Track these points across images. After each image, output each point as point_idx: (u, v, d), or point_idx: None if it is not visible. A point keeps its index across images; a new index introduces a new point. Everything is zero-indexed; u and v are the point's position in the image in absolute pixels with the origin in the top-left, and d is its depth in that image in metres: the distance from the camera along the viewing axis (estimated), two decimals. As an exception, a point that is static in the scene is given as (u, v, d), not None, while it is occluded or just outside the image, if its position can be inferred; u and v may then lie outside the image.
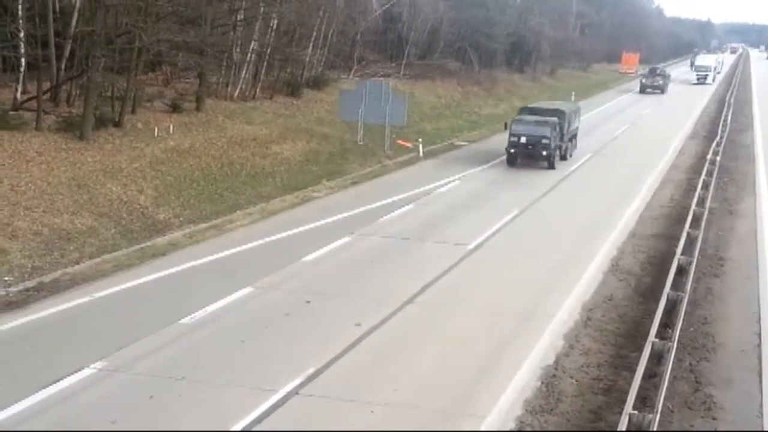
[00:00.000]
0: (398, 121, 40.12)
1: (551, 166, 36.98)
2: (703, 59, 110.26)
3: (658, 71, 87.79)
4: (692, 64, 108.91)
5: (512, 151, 37.26)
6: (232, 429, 13.04)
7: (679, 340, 16.69)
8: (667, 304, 18.56)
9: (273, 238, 24.24)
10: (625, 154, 43.64)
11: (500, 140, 47.07)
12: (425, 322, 18.22)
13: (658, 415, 13.34)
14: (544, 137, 36.52)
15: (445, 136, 46.85)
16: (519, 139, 36.81)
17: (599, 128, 53.43)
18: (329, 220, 26.63)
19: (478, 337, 17.39)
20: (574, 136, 41.37)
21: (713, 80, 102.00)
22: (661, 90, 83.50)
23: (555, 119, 37.27)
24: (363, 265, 22.17)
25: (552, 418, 14.10)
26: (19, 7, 29.60)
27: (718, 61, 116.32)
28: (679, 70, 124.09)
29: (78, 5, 31.78)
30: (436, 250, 23.97)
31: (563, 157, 38.75)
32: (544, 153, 36.55)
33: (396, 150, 39.93)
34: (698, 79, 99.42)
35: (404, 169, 37.41)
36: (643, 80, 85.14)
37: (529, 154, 37.13)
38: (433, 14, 65.93)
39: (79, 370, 14.74)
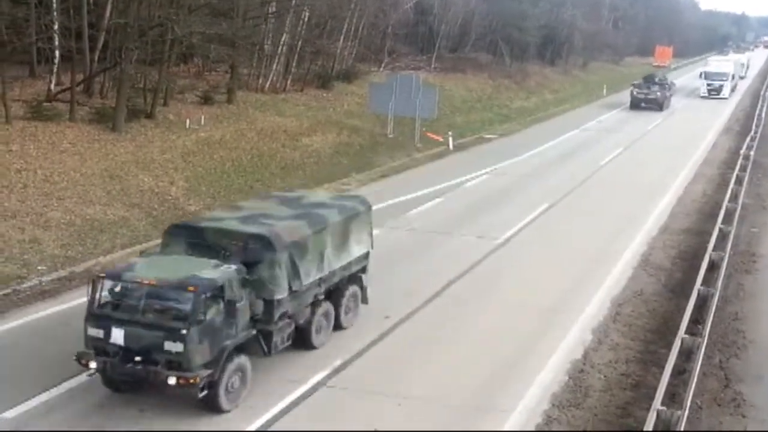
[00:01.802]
0: (428, 114, 40.05)
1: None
2: (716, 65, 78.11)
3: (656, 79, 64.36)
4: (702, 74, 76.44)
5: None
6: (258, 421, 13.15)
7: (709, 337, 16.58)
8: (697, 300, 18.43)
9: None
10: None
11: (532, 133, 47.04)
12: (453, 315, 18.22)
13: (687, 412, 13.26)
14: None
15: (475, 130, 46.71)
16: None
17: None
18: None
19: (506, 331, 17.37)
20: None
21: (731, 92, 75.10)
22: (659, 106, 60.60)
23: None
24: (392, 257, 22.13)
25: (579, 413, 14.07)
26: (54, -1, 29.93)
27: (739, 65, 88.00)
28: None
29: (111, -3, 32.07)
30: (465, 243, 23.94)
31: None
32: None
33: (426, 143, 39.88)
34: (709, 92, 72.94)
35: (434, 162, 37.34)
36: (635, 91, 61.80)
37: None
38: (464, 7, 65.70)
39: (110, 359, 14.88)
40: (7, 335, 15.99)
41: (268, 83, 42.50)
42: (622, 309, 19.01)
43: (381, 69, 55.13)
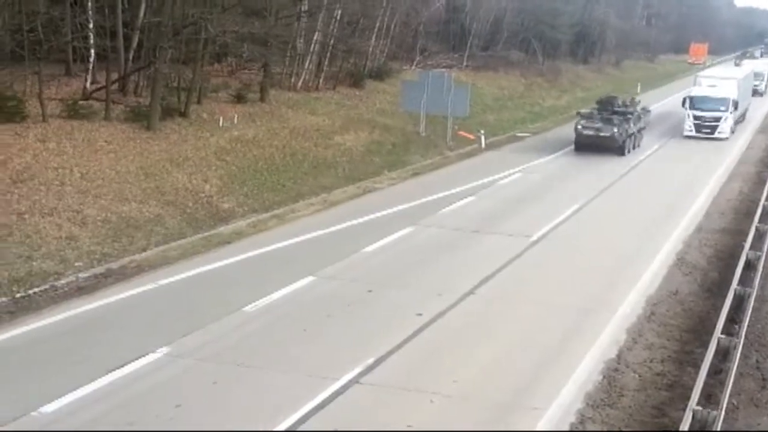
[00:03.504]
0: (460, 113, 39.97)
1: None
2: (708, 86, 48.64)
3: (617, 105, 40.89)
4: (686, 101, 47.28)
5: None
6: (289, 420, 13.19)
7: (745, 337, 16.40)
8: (734, 300, 18.23)
9: (334, 228, 24.38)
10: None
11: (563, 132, 46.75)
12: (486, 314, 18.19)
13: (723, 412, 13.13)
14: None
15: (507, 128, 46.57)
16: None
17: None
18: (391, 210, 26.68)
19: (539, 330, 17.29)
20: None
21: (734, 125, 47.86)
22: (618, 148, 38.46)
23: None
24: (424, 255, 22.19)
25: (613, 413, 13.96)
26: (89, -2, 30.28)
27: (749, 81, 57.53)
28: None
29: (146, -4, 32.39)
30: (498, 241, 23.88)
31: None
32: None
33: (458, 141, 39.82)
34: (697, 129, 45.95)
35: (466, 160, 37.29)
36: (582, 125, 39.07)
37: None
38: (496, 5, 65.51)
39: (144, 355, 15.05)
40: (43, 331, 16.19)
41: (301, 82, 42.65)
42: (657, 308, 18.85)
43: (413, 67, 55.11)
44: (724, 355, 15.58)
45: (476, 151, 39.23)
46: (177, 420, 12.96)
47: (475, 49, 63.71)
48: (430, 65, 55.60)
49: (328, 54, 44.79)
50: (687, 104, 46.29)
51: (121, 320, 16.88)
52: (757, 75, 66.75)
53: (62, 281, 18.52)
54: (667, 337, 17.27)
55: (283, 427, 12.93)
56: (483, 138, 40.50)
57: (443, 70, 50.09)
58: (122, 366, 14.55)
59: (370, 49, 49.10)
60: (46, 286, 18.10)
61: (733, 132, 47.06)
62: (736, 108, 46.41)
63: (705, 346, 15.93)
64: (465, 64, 60.13)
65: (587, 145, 38.21)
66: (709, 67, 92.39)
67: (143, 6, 32.62)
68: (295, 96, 40.54)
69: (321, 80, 44.22)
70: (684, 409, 13.23)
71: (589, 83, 73.27)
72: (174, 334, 16.00)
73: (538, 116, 52.86)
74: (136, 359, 14.87)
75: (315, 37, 43.26)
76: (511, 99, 57.32)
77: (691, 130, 45.78)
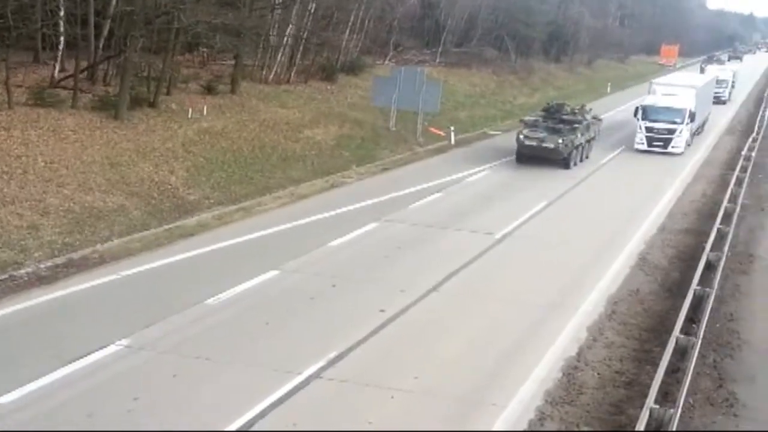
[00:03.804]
0: (431, 109, 40.03)
1: None
2: (663, 95, 44.08)
3: (564, 113, 37.48)
4: (638, 111, 42.85)
5: None
6: (249, 413, 13.15)
7: (704, 336, 16.56)
8: (693, 300, 18.43)
9: (301, 222, 24.34)
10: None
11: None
12: (449, 311, 18.24)
13: (680, 411, 13.27)
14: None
15: (477, 125, 46.71)
16: None
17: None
18: (358, 205, 26.67)
19: (501, 327, 17.37)
20: None
21: (690, 138, 43.68)
22: (564, 161, 35.59)
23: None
24: (389, 251, 22.20)
25: (572, 410, 14.06)
26: (60, -16, 29.95)
27: (710, 87, 54.15)
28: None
29: (118, -16, 32.07)
30: (463, 238, 23.95)
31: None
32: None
33: (428, 137, 39.88)
34: (650, 144, 41.85)
35: (435, 156, 37.37)
36: (524, 135, 35.64)
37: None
38: (471, 1, 65.66)
39: (105, 347, 14.94)
40: (1, 321, 16.01)
41: (272, 74, 42.49)
42: (617, 307, 19.00)
43: (386, 62, 55.13)
44: (682, 354, 15.73)
45: (446, 147, 39.32)
46: (135, 413, 12.88)
47: (449, 45, 63.84)
48: (403, 60, 55.64)
49: (301, 47, 44.66)
50: (639, 114, 41.79)
51: (81, 311, 16.75)
52: (720, 82, 64.06)
53: (22, 271, 18.32)
54: (627, 336, 17.42)
55: (242, 421, 12.89)
56: (453, 135, 40.61)
57: (416, 65, 50.09)
58: (81, 357, 14.44)
59: (344, 43, 49.01)
60: (5, 276, 17.89)
61: (689, 145, 42.93)
62: (693, 120, 41.94)
63: (664, 345, 16.09)
64: (438, 60, 60.22)
65: (529, 157, 35.13)
66: (677, 69, 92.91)
67: (116, -6, 32.33)
68: (267, 89, 40.39)
69: (293, 73, 44.09)
70: (641, 407, 13.36)
71: (561, 82, 73.67)
72: (135, 326, 15.90)
73: (509, 114, 53.02)
74: (96, 351, 14.76)
75: (288, 30, 43.12)
76: (483, 96, 57.49)
77: (642, 144, 41.50)
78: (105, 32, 32.83)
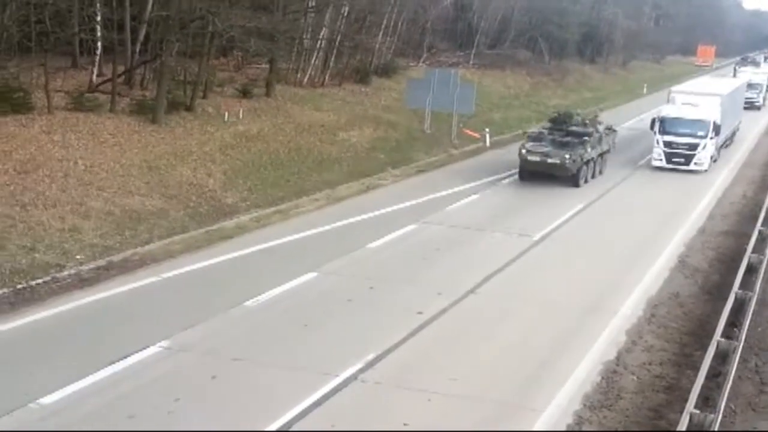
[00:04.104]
0: (466, 111, 39.96)
1: None
2: (684, 105, 38.01)
3: (574, 123, 33.71)
4: (655, 123, 37.25)
5: None
6: (287, 414, 13.22)
7: (745, 340, 16.39)
8: (734, 303, 18.23)
9: (338, 224, 24.42)
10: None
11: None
12: (487, 313, 18.20)
13: (721, 416, 13.14)
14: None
15: (512, 127, 46.52)
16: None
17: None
18: (395, 207, 26.71)
19: (539, 330, 17.29)
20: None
21: (716, 154, 38.82)
22: (573, 177, 31.61)
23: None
24: (427, 253, 22.21)
25: (611, 414, 13.97)
26: (97, -9, 30.36)
27: (730, 102, 41.76)
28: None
29: (154, -11, 32.43)
30: (501, 240, 23.90)
31: None
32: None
33: (463, 139, 39.82)
34: (669, 160, 36.74)
35: (470, 158, 37.30)
36: (527, 149, 31.86)
37: None
38: (504, 3, 65.48)
39: (145, 348, 15.11)
40: (44, 323, 16.25)
41: (307, 77, 42.69)
42: (657, 310, 18.84)
43: (419, 64, 55.11)
44: (723, 358, 15.57)
45: (481, 149, 39.23)
46: (175, 414, 13.00)
47: (482, 47, 63.69)
48: (436, 63, 55.60)
49: (335, 50, 44.82)
50: (656, 127, 36.43)
51: (122, 313, 16.93)
52: (754, 86, 59.86)
53: (64, 273, 18.58)
54: (667, 339, 17.27)
55: (280, 422, 12.98)
56: (488, 136, 40.50)
57: (450, 67, 50.06)
58: (122, 359, 14.61)
59: (377, 45, 49.10)
60: (48, 278, 18.17)
61: (714, 161, 37.92)
62: (717, 133, 36.46)
63: (704, 348, 15.93)
64: (472, 62, 60.10)
65: (534, 173, 31.34)
66: (714, 69, 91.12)
67: (151, -1, 32.70)
68: (301, 92, 40.57)
69: (327, 76, 44.25)
70: (681, 412, 13.24)
71: (595, 83, 73.18)
72: (175, 328, 16.05)
73: (543, 115, 52.51)
74: (137, 352, 14.92)
75: (322, 33, 43.31)
76: (517, 98, 57.28)
77: (660, 160, 36.37)
78: (141, 37, 33.21)
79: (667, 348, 16.86)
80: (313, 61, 43.40)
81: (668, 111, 37.16)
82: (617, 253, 23.21)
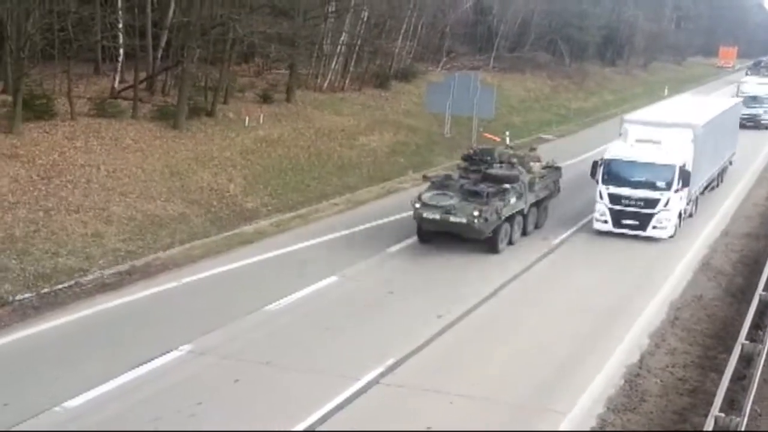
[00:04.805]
0: (486, 114, 39.87)
1: None
2: (639, 142, 25.63)
3: (495, 160, 24.67)
4: (597, 168, 25.30)
5: None
6: (309, 418, 13.25)
7: (770, 343, 16.25)
8: (759, 305, 18.10)
9: (358, 228, 24.44)
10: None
11: (588, 135, 46.52)
12: (508, 316, 18.16)
13: (746, 419, 13.05)
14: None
15: (532, 130, 46.42)
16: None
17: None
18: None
19: (562, 333, 17.22)
20: None
21: (688, 212, 26.74)
22: (490, 241, 22.70)
23: None
24: (448, 257, 22.15)
25: (634, 417, 13.91)
26: (119, -3, 30.60)
27: (710, 134, 28.33)
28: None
29: (175, -4, 32.64)
30: (521, 243, 23.80)
31: None
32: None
33: (483, 143, 39.63)
34: (615, 223, 24.96)
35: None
36: (422, 202, 22.55)
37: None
38: (524, 6, 65.32)
39: (168, 352, 15.19)
40: (67, 327, 16.36)
41: (327, 82, 42.77)
42: (680, 313, 18.72)
43: (439, 68, 55.09)
44: (747, 361, 15.47)
45: (501, 153, 39.08)
46: (198, 417, 13.06)
47: (502, 50, 63.56)
48: (456, 66, 55.53)
49: (355, 55, 44.88)
50: (599, 174, 25.08)
51: (144, 317, 17.04)
52: (759, 99, 50.75)
53: (87, 278, 18.73)
54: (690, 342, 17.16)
55: (303, 426, 13.00)
56: (508, 140, 40.34)
57: (469, 71, 49.99)
58: (145, 363, 14.70)
59: (396, 50, 49.11)
60: (71, 283, 18.32)
61: (690, 216, 27.01)
62: (687, 182, 24.93)
63: (729, 351, 15.83)
64: (491, 65, 60.00)
65: (436, 234, 22.99)
66: (735, 71, 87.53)
67: (172, 6, 32.87)
68: (321, 96, 40.65)
69: (347, 81, 44.32)
70: (706, 415, 13.16)
71: (616, 85, 72.87)
72: (197, 332, 16.13)
73: (564, 118, 52.63)
74: (159, 356, 15.02)
75: (342, 38, 43.38)
76: (537, 101, 57.13)
77: (605, 221, 25.05)
78: (163, 43, 33.43)
79: (690, 351, 16.75)
80: (333, 66, 43.48)
81: (616, 151, 25.47)
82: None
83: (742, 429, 12.79)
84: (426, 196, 22.71)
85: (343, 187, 29.57)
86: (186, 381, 14.33)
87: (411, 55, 52.08)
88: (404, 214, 25.99)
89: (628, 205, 24.66)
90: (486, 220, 21.90)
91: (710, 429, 12.59)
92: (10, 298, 17.17)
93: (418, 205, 22.59)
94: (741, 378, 14.88)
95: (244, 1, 33.83)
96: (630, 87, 73.96)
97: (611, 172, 24.91)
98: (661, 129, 26.09)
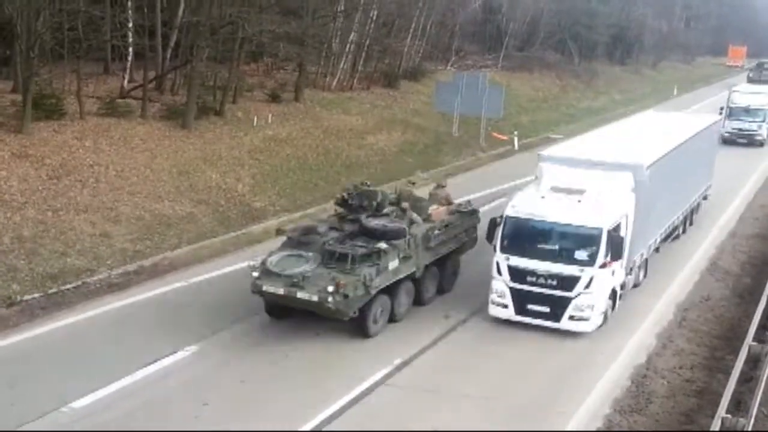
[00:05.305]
0: (494, 114, 39.84)
1: None
2: (559, 194, 17.97)
3: (371, 207, 18.38)
4: (497, 229, 17.95)
5: None
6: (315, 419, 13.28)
7: (778, 344, 16.22)
8: (766, 307, 18.05)
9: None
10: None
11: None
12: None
13: (753, 420, 13.04)
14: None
15: (541, 130, 46.34)
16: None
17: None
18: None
19: (569, 333, 17.19)
20: None
21: (627, 281, 18.92)
22: (358, 326, 16.55)
23: None
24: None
25: (641, 419, 13.92)
26: (129, -3, 30.70)
27: (689, 151, 23.47)
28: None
29: (185, -5, 32.72)
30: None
31: None
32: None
33: (491, 142, 39.72)
34: (520, 307, 17.46)
35: (499, 161, 37.17)
36: (266, 266, 16.50)
37: None
38: (533, 5, 65.24)
39: (175, 353, 15.25)
40: (75, 327, 16.43)
41: (335, 81, 42.78)
42: (687, 314, 18.69)
43: (448, 67, 55.05)
44: (755, 362, 15.45)
45: (509, 152, 39.09)
46: (204, 418, 13.13)
47: (511, 49, 63.47)
48: (465, 66, 55.49)
49: (363, 54, 44.88)
50: (497, 238, 18.05)
51: (151, 317, 17.10)
52: (749, 113, 44.18)
53: (95, 278, 18.80)
54: (698, 343, 17.14)
55: (310, 426, 13.06)
56: (516, 139, 40.37)
57: (478, 70, 49.94)
58: (152, 363, 14.77)
59: (405, 49, 49.07)
60: (79, 283, 18.39)
61: (635, 286, 19.98)
62: (617, 254, 17.56)
63: (736, 353, 15.81)
64: (500, 64, 59.91)
65: (285, 309, 17.10)
66: (745, 70, 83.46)
67: (182, 5, 32.92)
68: (330, 96, 40.67)
69: (355, 80, 44.33)
70: (713, 417, 13.16)
71: (625, 85, 72.65)
72: (203, 333, 16.19)
73: (572, 118, 52.52)
74: (166, 356, 15.09)
75: (350, 38, 43.39)
76: (546, 100, 57.05)
77: (504, 305, 17.79)
78: (172, 43, 33.47)
79: (697, 352, 16.73)
80: (341, 65, 43.49)
81: (521, 206, 18.04)
82: None
83: (749, 430, 12.78)
84: (272, 260, 16.68)
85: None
86: (192, 382, 14.39)
87: (420, 55, 52.04)
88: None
89: (536, 285, 17.27)
90: (346, 297, 15.72)
91: (717, 430, 12.59)
92: (18, 298, 17.26)
93: (256, 274, 16.46)
94: (748, 379, 14.86)
95: (253, 1, 33.84)
96: (639, 86, 73.72)
97: (513, 237, 17.67)
98: (589, 172, 18.67)
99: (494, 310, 17.78)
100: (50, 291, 17.82)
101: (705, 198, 27.57)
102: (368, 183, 20.14)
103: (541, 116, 51.05)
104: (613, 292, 17.78)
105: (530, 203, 17.95)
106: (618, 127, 27.34)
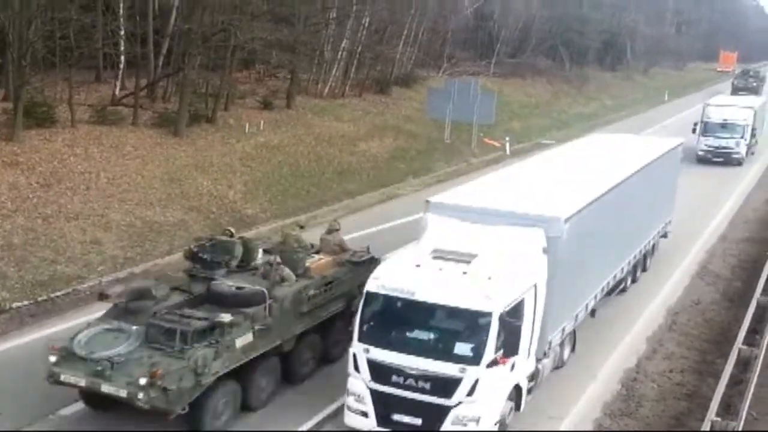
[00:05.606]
0: (486, 120, 39.95)
1: None
2: (439, 260, 13.08)
3: (216, 265, 15.03)
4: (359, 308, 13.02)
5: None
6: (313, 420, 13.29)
7: (767, 347, 16.27)
8: (756, 310, 18.12)
9: (356, 234, 24.41)
10: None
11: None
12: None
13: (742, 423, 13.09)
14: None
15: (532, 136, 46.47)
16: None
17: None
18: (414, 217, 26.60)
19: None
20: None
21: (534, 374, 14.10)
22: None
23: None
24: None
25: (631, 422, 13.98)
26: (121, 5, 30.70)
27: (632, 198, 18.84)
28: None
29: (176, 3, 32.71)
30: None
31: None
32: None
33: (483, 148, 39.81)
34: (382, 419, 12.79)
35: (490, 167, 36.97)
36: (67, 351, 12.72)
37: None
38: (525, 12, 65.46)
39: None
40: (64, 334, 16.34)
41: (327, 88, 42.86)
42: (678, 318, 18.75)
43: (440, 74, 55.19)
44: (744, 365, 15.50)
45: (501, 158, 39.16)
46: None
47: (503, 56, 63.68)
48: (457, 72, 55.62)
49: (355, 61, 44.97)
50: (356, 323, 13.04)
51: (142, 324, 17.02)
52: (726, 128, 40.41)
53: (85, 285, 18.78)
54: (688, 347, 17.20)
55: (312, 423, 13.31)
56: (508, 145, 40.48)
57: (470, 77, 50.06)
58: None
59: (397, 56, 49.20)
60: (69, 290, 18.37)
61: (557, 367, 15.59)
62: (512, 349, 12.75)
63: (725, 356, 15.86)
64: (492, 71, 60.08)
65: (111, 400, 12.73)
66: (734, 76, 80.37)
67: (174, 13, 32.96)
68: (321, 103, 40.74)
69: (347, 87, 44.40)
70: (703, 420, 13.20)
71: (616, 91, 72.92)
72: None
73: (564, 124, 52.71)
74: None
75: (342, 44, 43.48)
76: (538, 106, 57.24)
77: (364, 414, 12.98)
78: (164, 50, 33.50)
79: (687, 355, 16.78)
80: (333, 72, 43.57)
81: (387, 278, 13.11)
82: None
83: (739, 433, 12.83)
84: (80, 338, 12.93)
85: (343, 193, 29.63)
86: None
87: (412, 61, 52.17)
88: (403, 220, 26.11)
89: (403, 387, 12.59)
90: (165, 391, 12.01)
91: (707, 433, 12.64)
92: (8, 306, 17.24)
93: (53, 358, 12.76)
94: (738, 383, 14.91)
95: (245, 8, 33.91)
96: (630, 92, 74.06)
97: (375, 321, 13.07)
98: (487, 228, 14.15)
99: (351, 419, 13.06)
100: (40, 298, 17.81)
101: (665, 236, 23.50)
102: (230, 230, 16.33)
103: (533, 122, 51.22)
104: (517, 389, 13.26)
105: (400, 274, 12.99)
106: (547, 157, 21.57)
